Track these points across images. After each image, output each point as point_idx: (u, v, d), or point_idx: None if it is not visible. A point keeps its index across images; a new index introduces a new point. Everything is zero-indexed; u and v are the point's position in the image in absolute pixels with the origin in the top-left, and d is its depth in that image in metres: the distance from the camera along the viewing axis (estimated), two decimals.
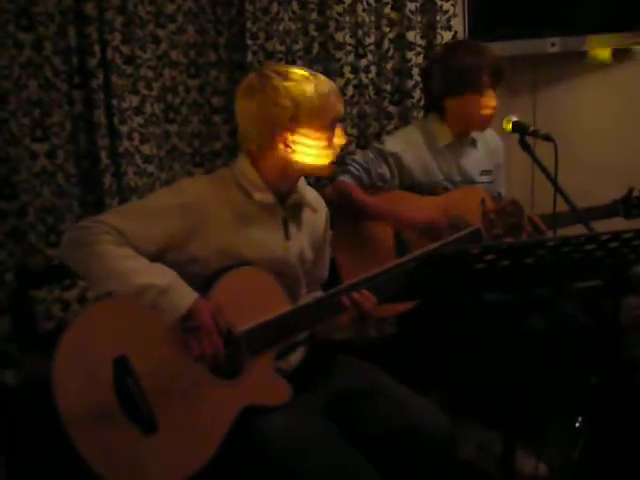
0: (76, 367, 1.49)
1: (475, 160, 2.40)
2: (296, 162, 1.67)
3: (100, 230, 1.56)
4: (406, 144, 2.32)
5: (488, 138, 2.45)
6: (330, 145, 1.69)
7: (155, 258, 1.58)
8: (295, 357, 1.73)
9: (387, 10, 2.73)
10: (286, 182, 1.72)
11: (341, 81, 2.73)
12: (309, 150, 1.67)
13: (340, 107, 1.69)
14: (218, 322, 1.54)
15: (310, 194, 1.82)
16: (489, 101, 2.25)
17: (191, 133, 2.61)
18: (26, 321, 2.22)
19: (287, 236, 1.72)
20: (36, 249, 2.32)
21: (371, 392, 1.69)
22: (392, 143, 2.32)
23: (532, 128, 1.95)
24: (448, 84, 2.28)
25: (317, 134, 1.66)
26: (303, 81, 1.64)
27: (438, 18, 2.74)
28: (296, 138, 1.65)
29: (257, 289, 1.61)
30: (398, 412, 1.65)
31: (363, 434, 1.64)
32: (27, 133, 2.29)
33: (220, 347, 1.54)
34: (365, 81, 2.76)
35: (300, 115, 1.63)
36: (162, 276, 1.54)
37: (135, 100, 2.45)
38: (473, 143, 2.41)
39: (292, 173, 1.70)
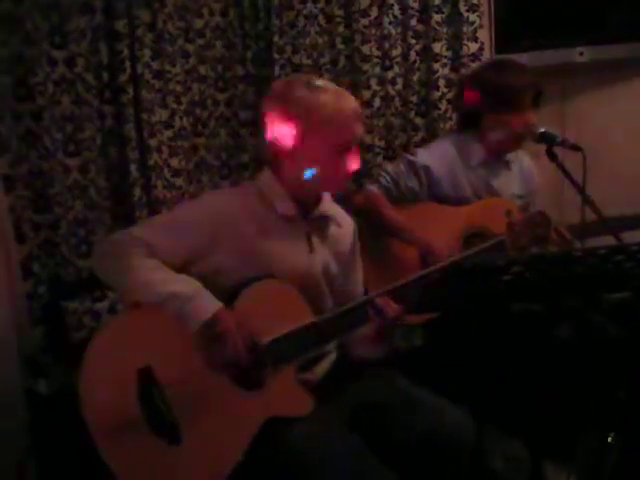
0: (102, 377, 1.51)
1: (507, 182, 2.38)
2: (302, 179, 1.66)
3: (130, 243, 1.60)
4: (439, 157, 2.31)
5: (523, 162, 2.43)
6: (340, 170, 1.65)
7: (181, 269, 1.61)
8: (321, 368, 1.74)
9: (413, 22, 2.75)
10: (308, 195, 1.72)
11: (368, 93, 2.75)
12: (316, 170, 1.64)
13: (358, 130, 1.64)
14: (242, 331, 1.55)
15: (335, 209, 1.82)
16: (529, 120, 2.21)
17: (219, 146, 2.64)
18: (58, 332, 2.26)
19: (311, 249, 1.73)
20: (68, 261, 2.36)
21: (397, 402, 1.68)
22: (424, 155, 2.32)
23: (560, 138, 1.95)
24: (490, 102, 2.27)
25: (326, 153, 1.63)
26: (322, 92, 1.62)
27: (464, 29, 2.74)
28: (303, 153, 1.64)
29: (280, 302, 1.62)
30: (425, 420, 1.64)
31: (390, 443, 1.63)
32: (60, 148, 2.33)
33: (243, 354, 1.54)
34: (392, 93, 2.77)
35: (310, 127, 1.61)
36: (187, 285, 1.56)
37: (164, 114, 2.49)
38: (507, 165, 2.39)
39: (307, 188, 1.69)
